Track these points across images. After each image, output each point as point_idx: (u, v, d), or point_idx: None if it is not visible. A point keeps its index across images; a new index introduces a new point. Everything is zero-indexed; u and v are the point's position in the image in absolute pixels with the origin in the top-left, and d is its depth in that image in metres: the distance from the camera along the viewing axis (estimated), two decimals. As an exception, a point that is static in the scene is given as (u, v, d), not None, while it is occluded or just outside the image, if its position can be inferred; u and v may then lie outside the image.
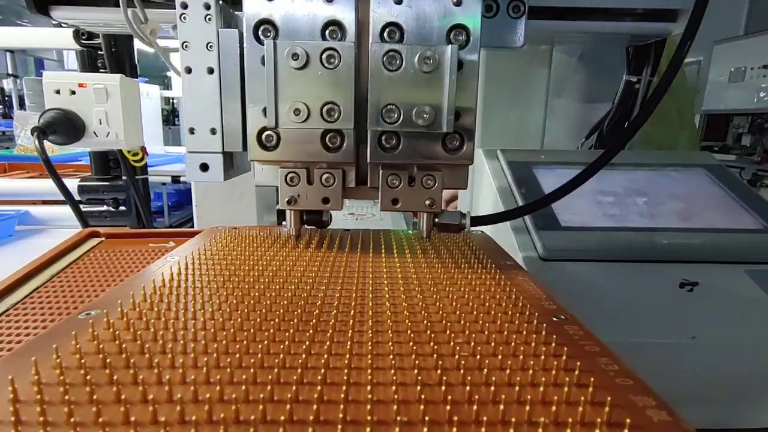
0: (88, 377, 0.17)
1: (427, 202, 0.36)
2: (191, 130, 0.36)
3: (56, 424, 0.15)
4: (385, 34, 0.33)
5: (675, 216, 0.52)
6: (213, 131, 0.36)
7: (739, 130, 2.38)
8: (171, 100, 3.95)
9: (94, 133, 0.73)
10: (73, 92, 0.72)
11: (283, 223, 0.41)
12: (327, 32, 0.33)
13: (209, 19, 0.35)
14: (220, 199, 0.74)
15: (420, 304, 0.25)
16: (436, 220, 0.40)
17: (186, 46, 0.35)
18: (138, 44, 0.70)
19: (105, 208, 0.94)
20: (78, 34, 0.83)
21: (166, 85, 3.68)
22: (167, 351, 0.20)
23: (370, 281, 0.30)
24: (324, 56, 0.32)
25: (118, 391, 0.17)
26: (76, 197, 0.90)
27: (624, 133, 0.46)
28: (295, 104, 0.32)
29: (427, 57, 0.31)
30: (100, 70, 0.87)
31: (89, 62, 0.88)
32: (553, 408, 0.16)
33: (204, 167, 0.37)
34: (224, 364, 0.19)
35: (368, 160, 0.35)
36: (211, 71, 0.35)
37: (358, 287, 0.28)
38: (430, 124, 0.32)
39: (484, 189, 0.61)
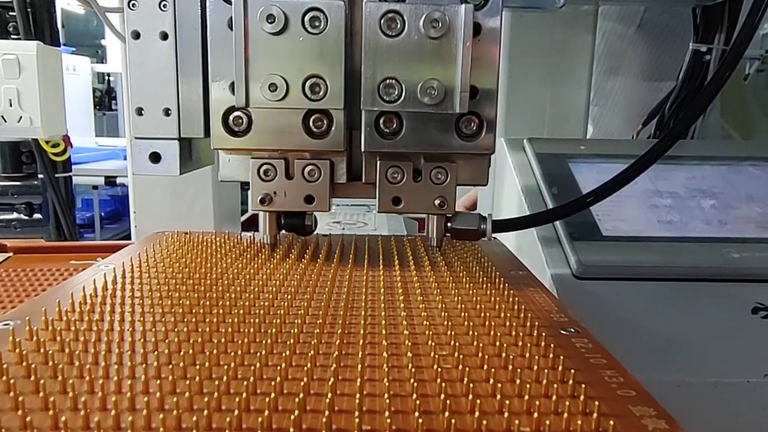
0: (12, 382, 0.21)
1: (437, 202, 0.38)
2: (139, 111, 0.38)
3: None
4: None
5: (750, 223, 0.55)
6: (167, 112, 0.38)
7: None
8: (106, 77, 3.95)
9: (2, 117, 0.78)
10: (-24, 65, 0.76)
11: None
12: None
13: None
14: (166, 204, 0.77)
15: (402, 314, 0.29)
16: (449, 224, 0.41)
17: (133, 6, 0.37)
18: (63, 3, 0.74)
19: (15, 215, 0.98)
20: (-16, -9, 0.88)
21: (99, 57, 3.71)
22: (99, 361, 0.23)
23: (345, 292, 0.33)
24: (307, 18, 0.34)
25: (46, 398, 0.20)
26: (-22, 202, 0.95)
27: (684, 118, 0.49)
28: (271, 78, 0.34)
29: (435, 19, 0.34)
30: (12, 37, 0.92)
31: (-3, 26, 0.93)
32: (535, 415, 0.19)
33: (155, 157, 0.39)
34: (165, 374, 0.23)
35: (363, 149, 0.37)
36: (164, 37, 0.38)
37: (330, 298, 0.32)
38: (439, 102, 0.35)
39: (507, 189, 0.64)
